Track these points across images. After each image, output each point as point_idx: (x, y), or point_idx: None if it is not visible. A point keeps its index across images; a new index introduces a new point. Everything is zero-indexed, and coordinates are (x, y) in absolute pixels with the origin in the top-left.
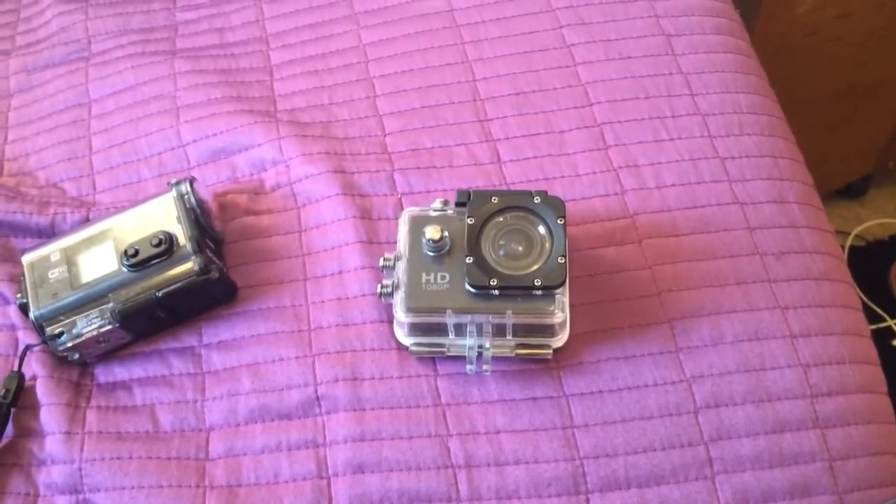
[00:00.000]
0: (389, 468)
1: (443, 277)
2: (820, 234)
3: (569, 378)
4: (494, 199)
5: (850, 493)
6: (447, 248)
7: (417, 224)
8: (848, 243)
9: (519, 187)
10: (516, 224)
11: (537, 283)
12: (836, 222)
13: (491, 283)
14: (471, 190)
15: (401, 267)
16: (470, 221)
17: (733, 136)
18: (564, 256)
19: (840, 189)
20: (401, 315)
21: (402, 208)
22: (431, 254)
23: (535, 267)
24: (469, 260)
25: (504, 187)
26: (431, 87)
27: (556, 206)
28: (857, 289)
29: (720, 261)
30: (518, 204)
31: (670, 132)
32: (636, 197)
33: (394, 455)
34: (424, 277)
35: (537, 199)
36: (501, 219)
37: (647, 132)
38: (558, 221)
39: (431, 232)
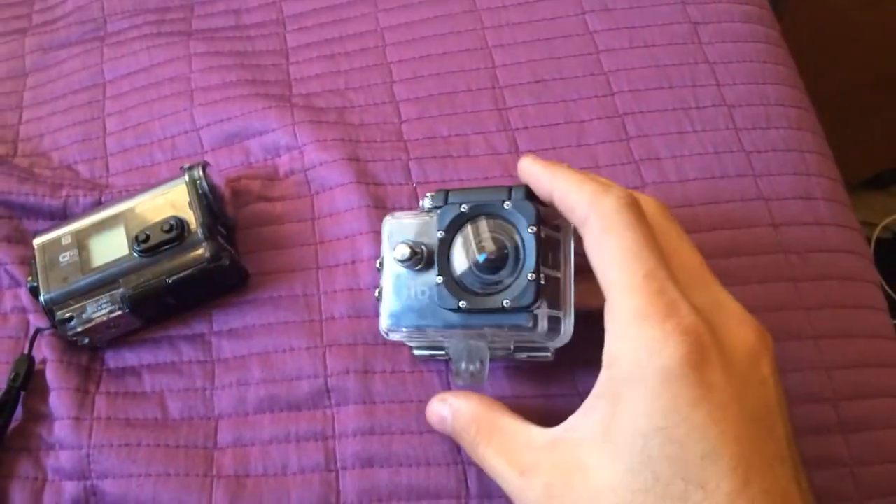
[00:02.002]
0: (399, 463)
1: (422, 293)
2: (846, 231)
3: (582, 375)
4: (464, 207)
5: (870, 500)
6: (424, 259)
7: (396, 232)
8: (875, 235)
9: None
10: (494, 231)
11: (506, 304)
12: (863, 213)
13: (460, 305)
14: (448, 191)
15: (384, 278)
16: (440, 235)
17: (760, 129)
18: (536, 272)
19: (868, 179)
20: (384, 331)
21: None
22: (410, 269)
23: (507, 282)
24: (438, 280)
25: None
26: (449, 73)
27: (527, 212)
28: (884, 282)
29: (743, 258)
30: (487, 211)
31: (694, 124)
32: (657, 191)
33: (403, 450)
34: (405, 292)
35: (508, 205)
36: (478, 224)
37: (670, 123)
38: (529, 231)
39: (400, 251)
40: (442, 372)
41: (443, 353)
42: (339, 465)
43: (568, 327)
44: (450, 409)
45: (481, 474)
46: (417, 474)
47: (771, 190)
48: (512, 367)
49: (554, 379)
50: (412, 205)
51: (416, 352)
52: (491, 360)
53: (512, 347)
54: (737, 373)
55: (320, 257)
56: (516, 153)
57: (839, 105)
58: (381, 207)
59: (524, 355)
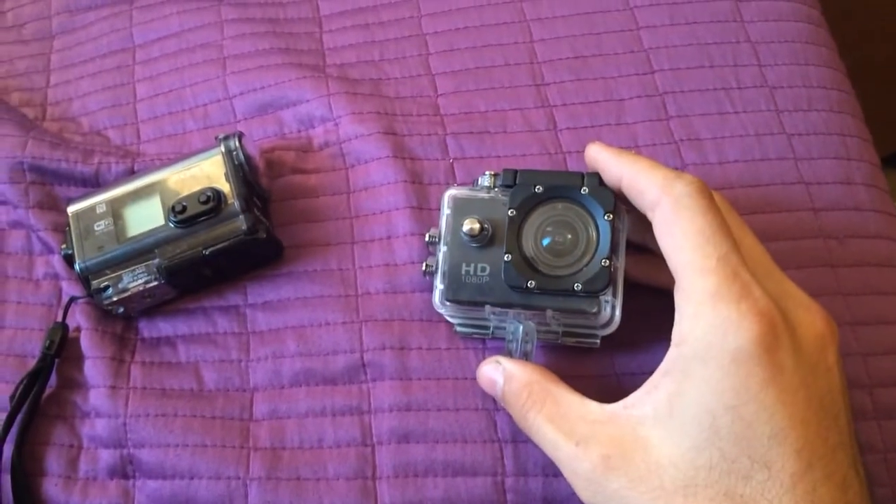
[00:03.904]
0: (435, 439)
1: (483, 269)
2: (885, 217)
3: (620, 357)
4: (538, 189)
5: None
6: (489, 237)
7: (460, 207)
8: None
9: (575, 157)
10: (563, 214)
11: (577, 287)
12: None
13: (528, 284)
14: (517, 171)
15: (441, 252)
16: (511, 214)
17: (801, 111)
18: (609, 259)
19: (884, 158)
20: (438, 305)
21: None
22: (472, 244)
23: (578, 266)
24: (507, 258)
25: (560, 156)
26: (487, 46)
27: (605, 199)
28: None
29: (782, 243)
30: (562, 194)
31: (735, 105)
32: (697, 172)
33: (439, 426)
34: (464, 268)
35: (585, 190)
36: (548, 207)
37: (710, 104)
38: (605, 218)
39: (469, 225)
40: (478, 350)
41: (485, 331)
42: (374, 439)
43: (618, 315)
44: (503, 373)
45: (518, 451)
46: (454, 451)
47: (811, 174)
48: (549, 347)
49: (591, 359)
50: (449, 180)
51: (459, 328)
52: (539, 341)
53: (561, 332)
54: (806, 358)
55: (355, 231)
56: (554, 130)
57: (861, 82)
58: (417, 182)
59: (572, 340)
